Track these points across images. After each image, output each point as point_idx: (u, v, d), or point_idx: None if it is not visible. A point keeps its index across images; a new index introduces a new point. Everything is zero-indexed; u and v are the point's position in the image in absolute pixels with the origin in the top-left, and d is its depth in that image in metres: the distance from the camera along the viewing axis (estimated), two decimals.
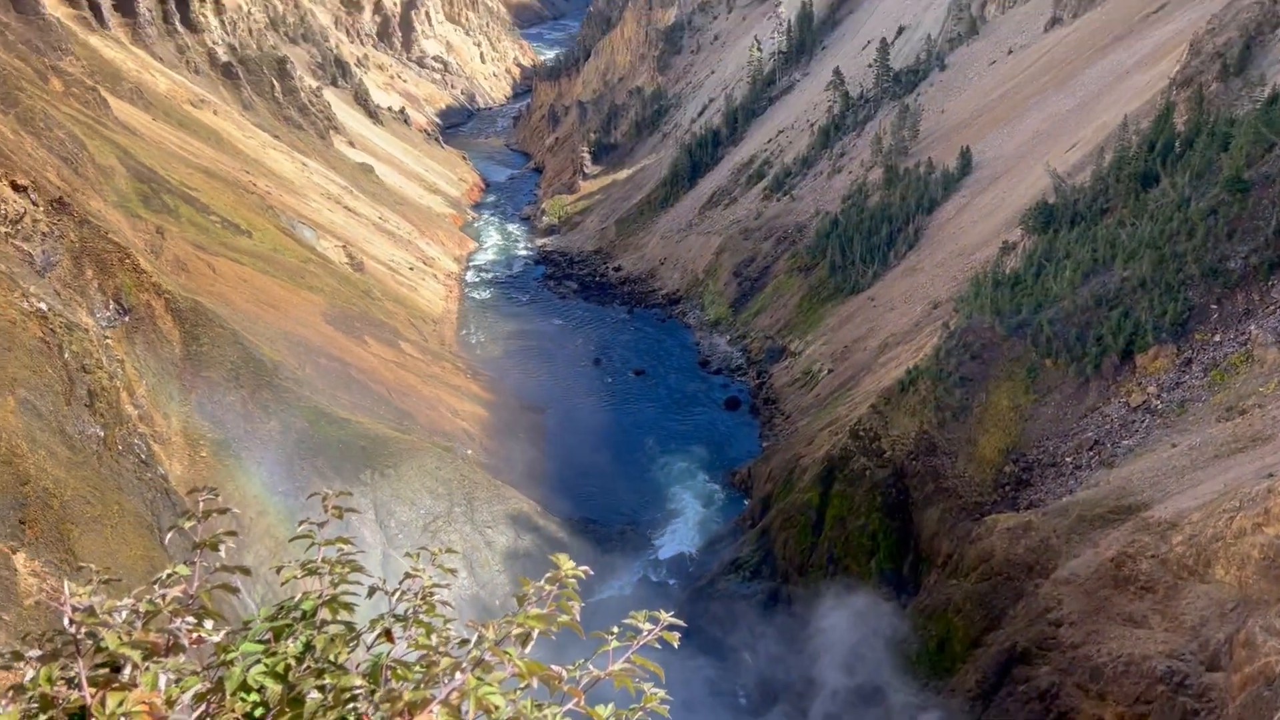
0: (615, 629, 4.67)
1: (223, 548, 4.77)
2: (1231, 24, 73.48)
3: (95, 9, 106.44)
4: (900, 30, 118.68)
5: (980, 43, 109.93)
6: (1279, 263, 55.19)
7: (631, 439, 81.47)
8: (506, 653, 4.31)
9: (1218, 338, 55.05)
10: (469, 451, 73.77)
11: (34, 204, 62.15)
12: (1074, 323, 59.37)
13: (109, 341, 58.91)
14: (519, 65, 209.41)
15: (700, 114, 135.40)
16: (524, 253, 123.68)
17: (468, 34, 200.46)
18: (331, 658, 4.35)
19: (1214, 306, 56.04)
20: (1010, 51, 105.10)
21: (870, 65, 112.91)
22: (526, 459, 75.77)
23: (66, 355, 54.79)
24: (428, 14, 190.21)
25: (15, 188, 61.47)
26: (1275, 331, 52.09)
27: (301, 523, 4.97)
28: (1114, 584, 44.09)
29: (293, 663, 4.40)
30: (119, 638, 4.14)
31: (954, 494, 57.16)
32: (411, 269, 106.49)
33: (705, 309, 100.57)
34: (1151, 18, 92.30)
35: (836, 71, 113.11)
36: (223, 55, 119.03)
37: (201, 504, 4.92)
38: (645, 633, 4.67)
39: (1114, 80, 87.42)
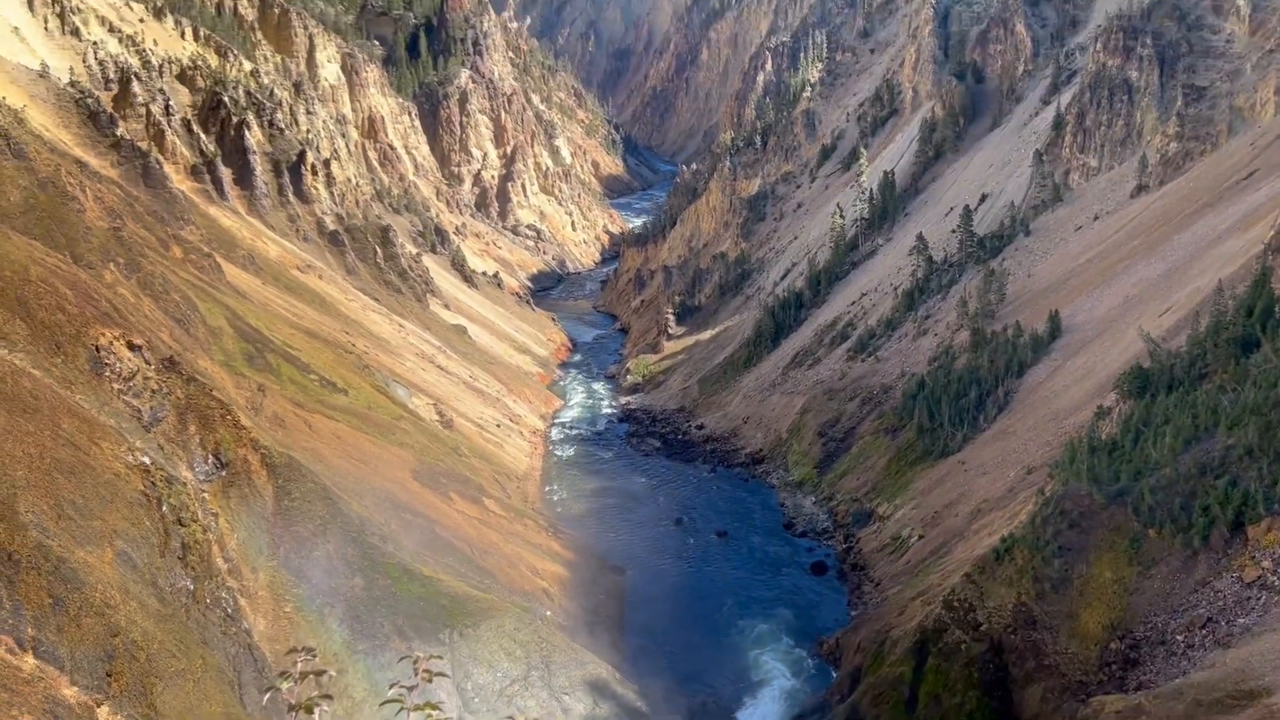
0: None
1: (317, 711, 4.65)
2: None
3: (217, 183, 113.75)
4: (983, 197, 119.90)
5: (1065, 209, 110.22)
6: None
7: (714, 603, 79.28)
8: None
9: None
10: (548, 612, 72.47)
11: (146, 362, 64.98)
12: (1177, 491, 56.81)
13: (205, 495, 60.20)
14: (607, 232, 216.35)
15: (783, 277, 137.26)
16: (608, 410, 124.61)
17: (560, 204, 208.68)
18: None
19: None
20: (1096, 217, 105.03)
21: (954, 231, 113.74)
22: (606, 621, 74.04)
23: (164, 508, 55.98)
24: (523, 185, 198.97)
25: (131, 347, 64.51)
26: None
27: (392, 686, 4.84)
28: None
29: None
30: None
31: (1056, 671, 53.95)
32: (499, 426, 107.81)
33: (789, 469, 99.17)
34: (1240, 185, 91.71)
35: (920, 237, 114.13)
36: (330, 224, 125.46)
37: (300, 665, 4.84)
38: None
39: (1205, 246, 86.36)
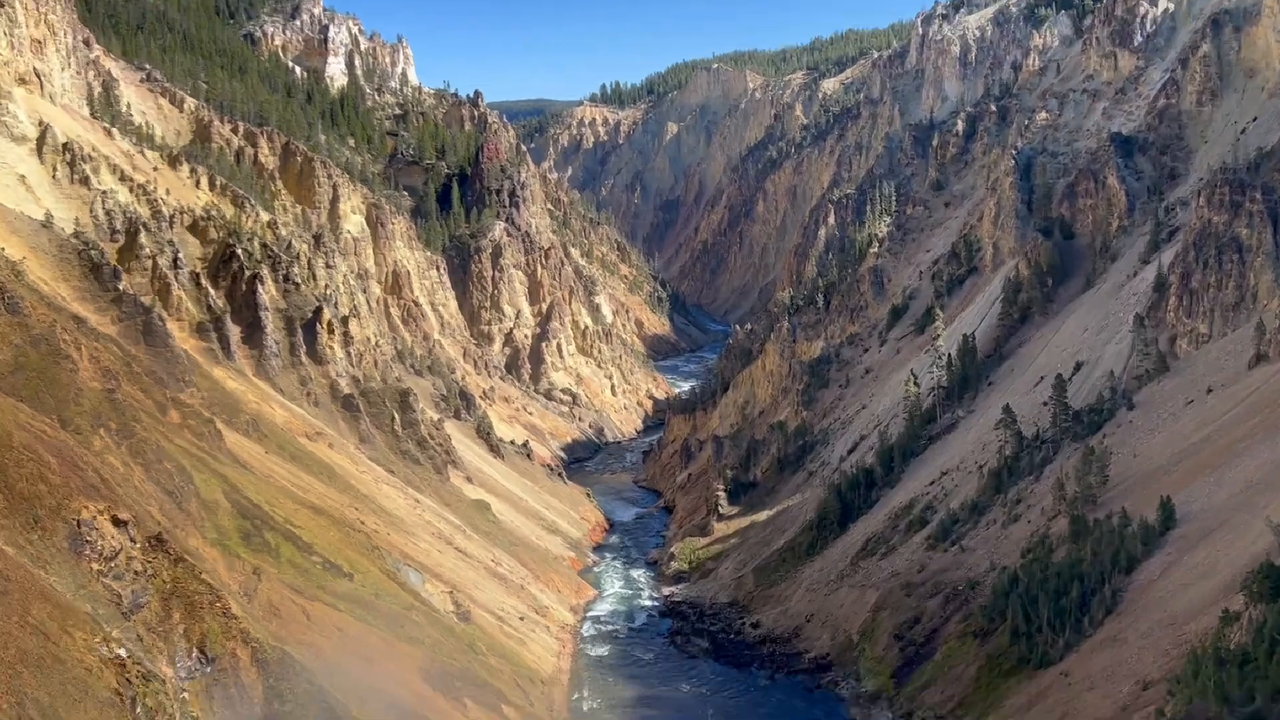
0: None
1: None
2: None
3: (224, 341, 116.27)
4: (1078, 366, 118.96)
5: (1172, 380, 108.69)
6: None
7: None
8: None
9: None
10: None
11: (131, 540, 64.75)
12: None
13: (185, 695, 58.85)
14: (651, 398, 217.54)
15: (850, 452, 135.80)
16: (648, 603, 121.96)
17: (599, 366, 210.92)
18: None
19: None
20: (1209, 390, 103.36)
21: (1045, 403, 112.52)
22: None
23: (139, 709, 54.68)
24: (559, 346, 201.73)
25: (115, 522, 64.54)
26: None
27: None
28: None
29: None
30: None
31: None
32: (522, 619, 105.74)
33: (862, 679, 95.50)
34: None
35: (1006, 409, 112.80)
36: (345, 387, 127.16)
37: None
38: None
39: None
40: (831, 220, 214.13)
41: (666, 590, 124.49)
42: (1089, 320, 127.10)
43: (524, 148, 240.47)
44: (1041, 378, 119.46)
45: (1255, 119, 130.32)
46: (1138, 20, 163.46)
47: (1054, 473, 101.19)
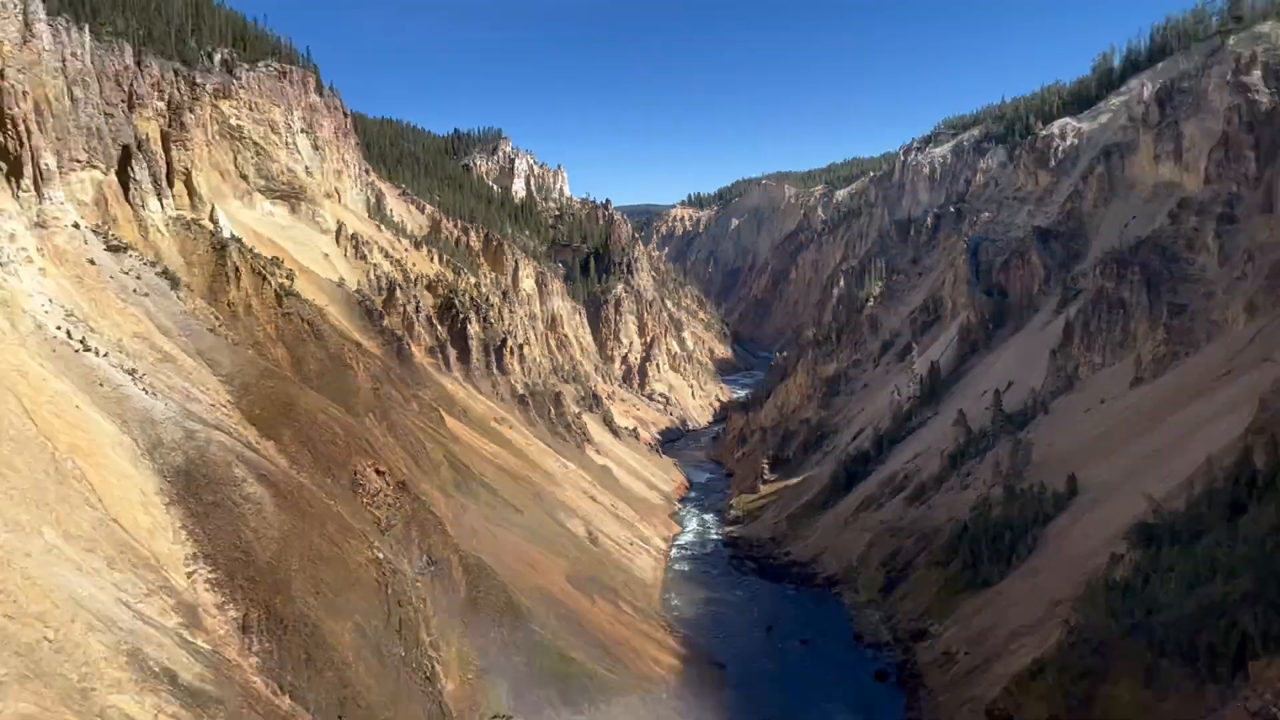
0: None
1: None
2: None
3: (445, 359, 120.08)
4: (1010, 384, 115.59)
5: (1077, 395, 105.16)
6: None
7: (798, 697, 74.37)
8: None
9: None
10: (664, 695, 69.34)
11: (387, 484, 67.19)
12: (1185, 628, 51.34)
13: (418, 584, 61.00)
14: (719, 400, 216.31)
15: (854, 439, 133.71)
16: (715, 537, 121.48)
17: (684, 379, 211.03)
18: None
19: None
20: (1103, 401, 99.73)
21: (987, 409, 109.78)
22: (710, 708, 70.21)
23: (390, 592, 56.79)
24: (658, 365, 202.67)
25: (377, 473, 67.06)
26: None
27: None
28: None
29: None
30: None
31: None
32: (631, 544, 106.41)
33: (859, 592, 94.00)
34: (1220, 380, 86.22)
35: (960, 413, 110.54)
36: (519, 389, 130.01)
37: None
38: None
39: (1194, 427, 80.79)
40: (842, 284, 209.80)
41: (727, 529, 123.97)
42: (1018, 353, 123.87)
43: (636, 235, 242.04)
44: (985, 391, 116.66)
45: (1135, 217, 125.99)
46: (1052, 150, 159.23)
47: (993, 456, 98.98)
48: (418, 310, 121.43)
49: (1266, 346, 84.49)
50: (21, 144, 63.52)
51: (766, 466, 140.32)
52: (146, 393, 56.63)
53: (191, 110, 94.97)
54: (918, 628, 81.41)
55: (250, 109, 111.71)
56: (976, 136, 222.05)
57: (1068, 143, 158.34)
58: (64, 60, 71.95)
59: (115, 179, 75.68)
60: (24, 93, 64.83)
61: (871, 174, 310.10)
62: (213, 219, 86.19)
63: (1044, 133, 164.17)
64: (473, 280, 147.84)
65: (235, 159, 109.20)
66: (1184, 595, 53.66)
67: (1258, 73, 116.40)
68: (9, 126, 63.04)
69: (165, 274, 70.66)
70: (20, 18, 67.28)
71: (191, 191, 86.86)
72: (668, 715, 63.53)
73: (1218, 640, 49.21)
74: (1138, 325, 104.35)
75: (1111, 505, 77.41)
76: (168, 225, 79.17)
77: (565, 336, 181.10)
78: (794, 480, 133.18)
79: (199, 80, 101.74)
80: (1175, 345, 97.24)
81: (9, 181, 63.14)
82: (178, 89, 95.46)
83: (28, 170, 63.70)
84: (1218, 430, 75.66)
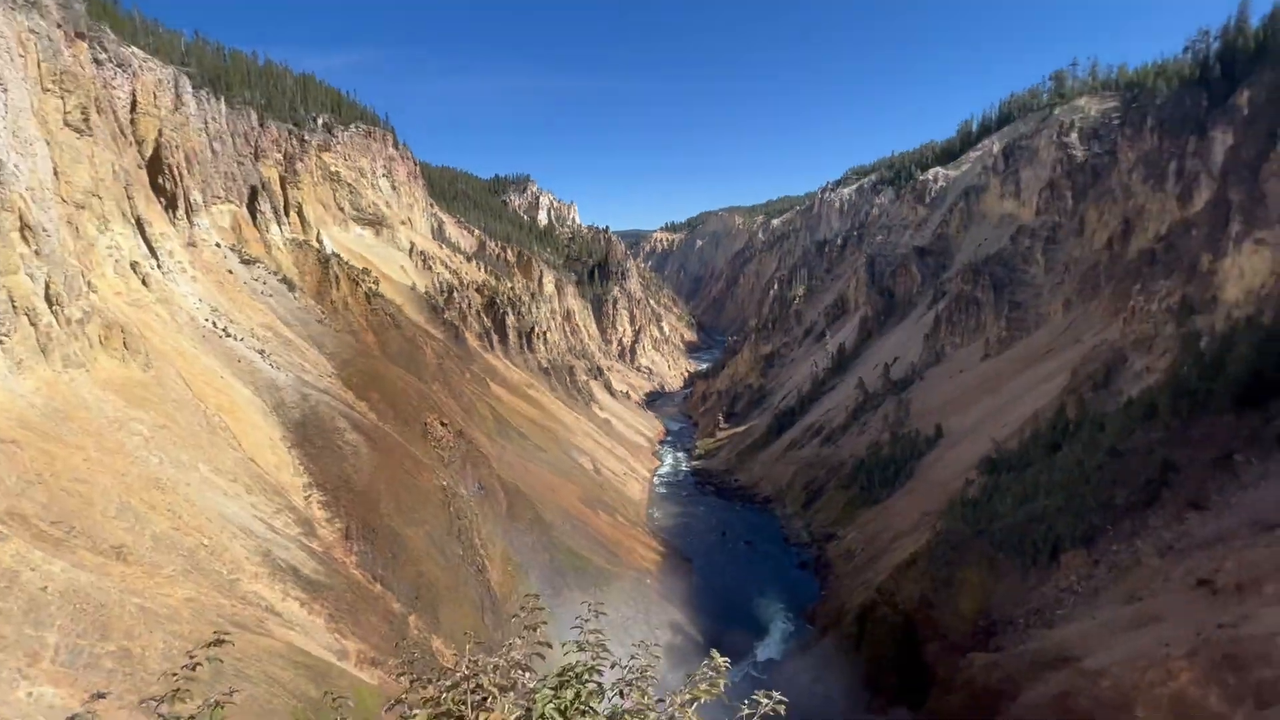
0: (746, 701, 4.29)
1: (540, 628, 4.74)
2: (1095, 360, 68.33)
3: (490, 342, 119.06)
4: (895, 359, 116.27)
5: (943, 366, 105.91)
6: (1150, 502, 47.67)
7: (743, 582, 75.36)
8: (685, 711, 4.06)
9: (1115, 547, 47.00)
10: (648, 580, 70.05)
11: (448, 432, 66.83)
12: (1016, 532, 52.41)
13: (472, 503, 61.09)
14: (688, 371, 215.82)
15: (784, 398, 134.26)
16: (684, 469, 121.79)
17: (662, 356, 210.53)
18: (591, 704, 4.18)
19: (1109, 528, 48.35)
20: (961, 371, 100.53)
21: (879, 376, 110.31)
22: (680, 589, 71.05)
23: (451, 509, 56.79)
24: (644, 346, 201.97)
25: (442, 424, 66.62)
26: (1156, 547, 44.12)
27: (575, 622, 4.84)
28: (1062, 712, 35.78)
29: (569, 705, 4.24)
30: (490, 679, 4.15)
31: (946, 636, 49.20)
32: (625, 474, 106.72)
33: (787, 507, 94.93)
34: (1044, 356, 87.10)
35: (860, 379, 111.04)
36: (544, 363, 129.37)
37: (529, 604, 4.96)
38: (765, 705, 4.27)
39: (1024, 389, 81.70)
40: (776, 287, 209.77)
41: (693, 463, 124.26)
42: (901, 337, 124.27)
43: (628, 252, 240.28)
44: (877, 364, 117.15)
45: (986, 239, 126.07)
46: (927, 190, 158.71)
47: (882, 410, 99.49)
48: (469, 306, 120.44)
49: (1077, 332, 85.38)
50: (176, 184, 62.22)
51: (722, 418, 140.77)
52: (272, 367, 56.12)
53: (301, 160, 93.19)
54: (828, 532, 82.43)
55: (345, 159, 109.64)
56: (874, 180, 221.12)
57: (939, 185, 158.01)
58: (206, 122, 70.26)
59: (246, 210, 74.31)
60: (176, 146, 63.40)
61: (797, 207, 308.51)
62: (318, 240, 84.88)
63: (922, 177, 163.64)
64: (509, 284, 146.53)
65: (334, 195, 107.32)
66: (1016, 508, 54.65)
67: (1075, 134, 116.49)
68: (167, 171, 61.67)
69: (284, 280, 69.63)
70: (173, 90, 65.58)
71: (303, 220, 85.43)
72: (650, 595, 64.25)
73: (1039, 539, 50.30)
74: (986, 317, 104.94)
75: (966, 445, 78.31)
76: (285, 244, 77.94)
77: (577, 325, 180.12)
78: (741, 428, 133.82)
79: (306, 138, 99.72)
80: (1013, 331, 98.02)
81: (168, 212, 61.93)
82: (291, 144, 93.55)
83: (180, 204, 62.45)
84: (1042, 391, 76.56)
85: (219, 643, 4.39)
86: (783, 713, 4.17)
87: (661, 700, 4.26)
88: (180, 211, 62.19)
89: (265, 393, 52.89)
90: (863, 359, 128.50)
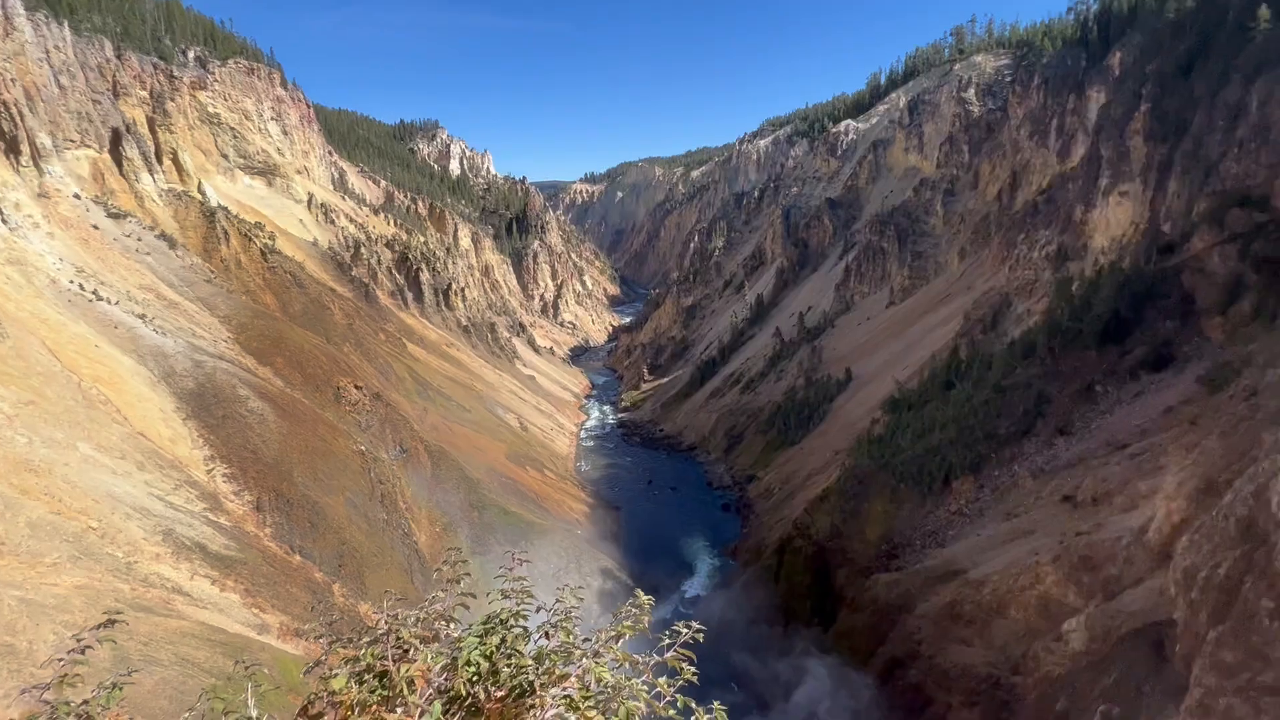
0: (667, 633, 4.49)
1: (464, 581, 4.73)
2: (985, 305, 74.08)
3: (404, 300, 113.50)
4: (810, 308, 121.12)
5: (852, 314, 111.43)
6: (1027, 431, 53.19)
7: (669, 526, 78.22)
8: (610, 647, 4.18)
9: (997, 472, 52.46)
10: (579, 531, 71.41)
11: (364, 395, 64.06)
12: (915, 463, 57.14)
13: (394, 466, 59.34)
14: (611, 325, 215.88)
15: (705, 350, 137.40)
16: (611, 421, 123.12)
17: (586, 310, 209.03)
18: (517, 648, 4.24)
19: (993, 455, 53.72)
20: (869, 318, 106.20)
21: (795, 326, 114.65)
22: (610, 536, 72.95)
23: (372, 474, 55.02)
24: (567, 300, 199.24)
25: (356, 387, 63.65)
26: (1030, 470, 49.59)
27: (500, 571, 4.89)
28: (951, 618, 40.35)
29: (494, 650, 4.29)
30: (410, 632, 4.11)
31: (854, 561, 53.64)
32: (552, 429, 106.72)
33: (709, 453, 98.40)
34: (941, 302, 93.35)
35: (777, 329, 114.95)
36: (464, 321, 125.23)
37: (452, 557, 4.93)
38: (685, 634, 4.48)
39: (924, 333, 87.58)
40: (696, 240, 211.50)
41: (619, 415, 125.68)
42: (815, 287, 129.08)
43: (547, 204, 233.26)
44: (793, 314, 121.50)
45: (892, 191, 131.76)
46: (839, 143, 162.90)
47: (798, 358, 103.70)
48: (379, 263, 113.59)
49: (970, 279, 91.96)
50: (16, 124, 53.60)
51: (646, 370, 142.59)
52: (157, 332, 50.95)
53: (172, 99, 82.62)
54: (749, 475, 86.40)
55: (225, 99, 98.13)
56: (789, 132, 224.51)
57: (849, 138, 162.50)
58: (47, 51, 60.35)
59: (109, 156, 65.42)
60: (12, 80, 54.33)
61: (716, 159, 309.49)
62: (200, 191, 76.52)
63: (834, 130, 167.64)
64: (422, 239, 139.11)
65: (215, 141, 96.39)
66: (915, 442, 59.43)
67: (972, 90, 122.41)
68: (3, 109, 52.91)
69: (163, 236, 62.64)
70: (0, 11, 55.64)
71: (179, 168, 76.45)
72: (580, 545, 65.63)
73: (934, 469, 55.16)
74: (891, 266, 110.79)
75: (873, 387, 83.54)
76: (161, 196, 69.69)
77: (496, 281, 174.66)
78: (665, 380, 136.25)
79: (176, 73, 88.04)
80: (915, 280, 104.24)
81: (8, 157, 53.50)
82: (157, 80, 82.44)
83: (24, 147, 54.02)
84: (939, 335, 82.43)
85: (110, 624, 4.07)
86: (701, 640, 4.39)
87: (587, 639, 4.37)
88: (25, 157, 53.88)
89: (151, 361, 48.11)
90: (780, 308, 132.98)
